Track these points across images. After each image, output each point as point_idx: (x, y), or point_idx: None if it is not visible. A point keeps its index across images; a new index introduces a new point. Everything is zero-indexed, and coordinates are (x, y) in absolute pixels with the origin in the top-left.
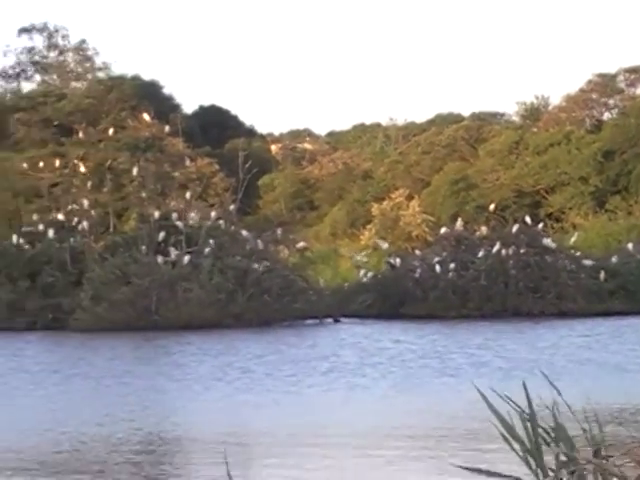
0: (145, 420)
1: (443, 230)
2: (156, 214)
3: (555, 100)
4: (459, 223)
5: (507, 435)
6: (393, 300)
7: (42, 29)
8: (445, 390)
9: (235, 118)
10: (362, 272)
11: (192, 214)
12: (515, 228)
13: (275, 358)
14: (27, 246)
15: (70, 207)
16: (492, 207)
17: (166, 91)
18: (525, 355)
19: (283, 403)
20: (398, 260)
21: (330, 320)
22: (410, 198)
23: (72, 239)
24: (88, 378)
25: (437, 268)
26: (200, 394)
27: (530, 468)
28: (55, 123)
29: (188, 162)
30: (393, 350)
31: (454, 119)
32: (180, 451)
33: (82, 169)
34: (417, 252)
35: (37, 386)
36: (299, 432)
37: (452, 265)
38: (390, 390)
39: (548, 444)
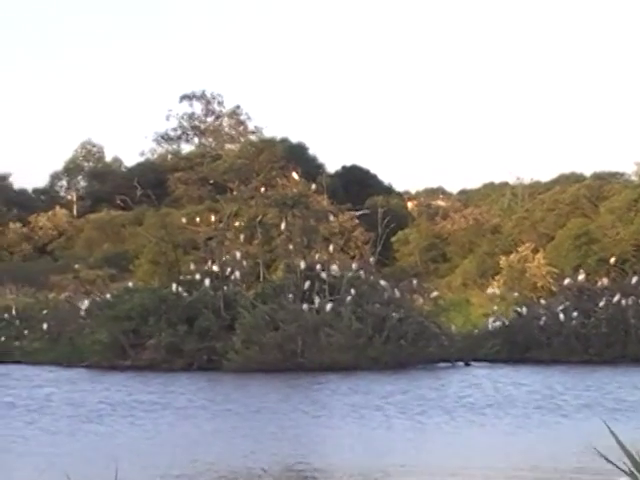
0: (286, 453)
1: (567, 281)
2: (302, 265)
3: None
4: (581, 275)
5: (636, 472)
6: (520, 345)
7: (201, 96)
8: (560, 429)
9: (375, 177)
10: (491, 320)
11: (334, 265)
12: (634, 280)
13: (407, 398)
14: (185, 294)
15: (224, 258)
16: (612, 260)
17: (311, 152)
18: None
19: (412, 438)
20: (524, 308)
21: (461, 363)
22: (536, 251)
23: (226, 287)
24: (235, 414)
25: (561, 316)
26: (335, 430)
27: None
28: (211, 181)
29: (331, 217)
30: (516, 392)
31: (576, 178)
32: None
33: (235, 224)
34: (542, 301)
35: (187, 421)
36: (427, 465)
37: (575, 313)
38: (509, 428)
39: None
